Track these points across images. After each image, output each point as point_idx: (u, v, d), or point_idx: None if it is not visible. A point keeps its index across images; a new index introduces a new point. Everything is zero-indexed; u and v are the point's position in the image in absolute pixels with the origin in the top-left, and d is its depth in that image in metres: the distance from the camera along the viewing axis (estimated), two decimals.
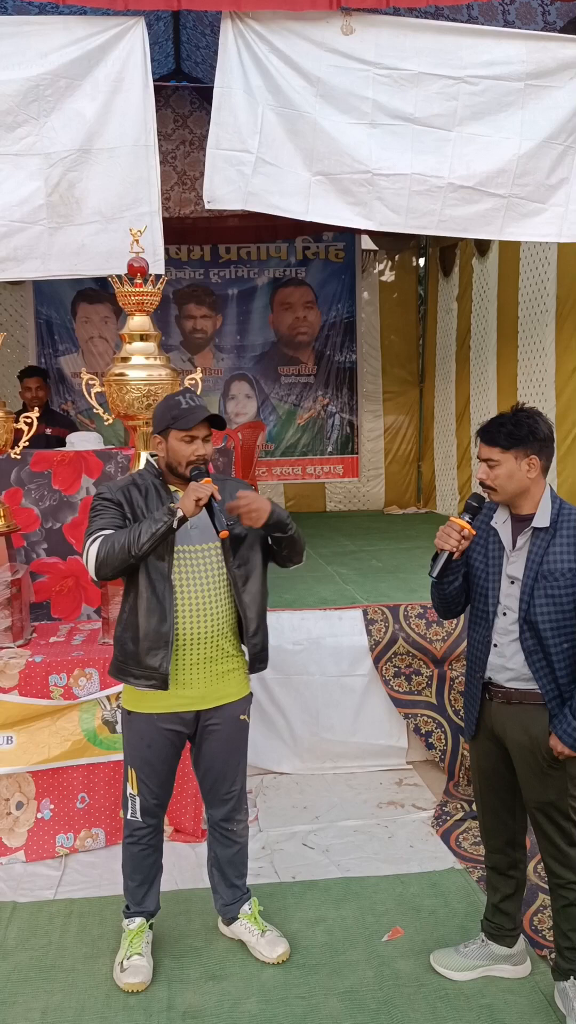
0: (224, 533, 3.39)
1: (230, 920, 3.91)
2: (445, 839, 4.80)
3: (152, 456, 3.71)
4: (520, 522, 3.38)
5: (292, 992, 3.57)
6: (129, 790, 3.74)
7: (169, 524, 3.36)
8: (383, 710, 5.60)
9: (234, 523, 3.54)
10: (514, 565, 3.36)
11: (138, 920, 3.84)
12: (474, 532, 3.37)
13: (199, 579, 3.57)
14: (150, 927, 3.86)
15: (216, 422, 3.56)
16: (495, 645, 3.41)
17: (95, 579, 3.58)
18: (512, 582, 3.36)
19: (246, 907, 3.91)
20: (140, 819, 3.74)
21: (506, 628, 3.37)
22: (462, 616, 5.54)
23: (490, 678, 3.44)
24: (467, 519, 3.36)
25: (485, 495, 3.41)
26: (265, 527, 3.52)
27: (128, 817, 3.77)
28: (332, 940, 3.91)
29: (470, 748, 3.66)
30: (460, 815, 5.00)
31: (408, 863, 4.59)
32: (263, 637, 3.72)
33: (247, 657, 3.70)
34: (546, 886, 4.06)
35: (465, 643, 5.40)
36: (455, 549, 3.33)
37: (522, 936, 3.72)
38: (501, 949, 3.65)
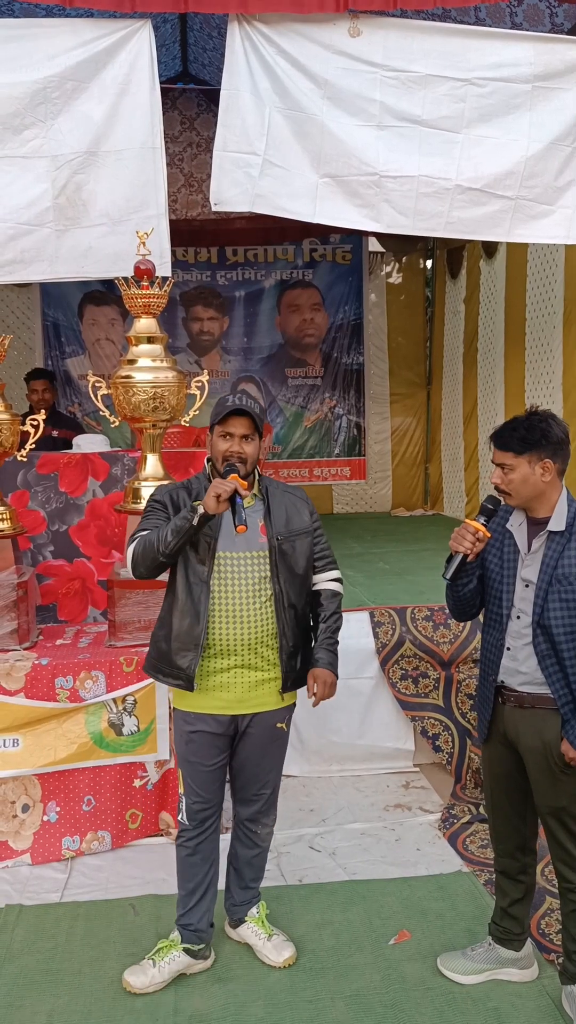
0: (241, 528, 3.36)
1: (237, 922, 3.91)
2: (452, 842, 4.79)
3: (209, 460, 3.72)
4: (536, 525, 3.36)
5: (298, 996, 3.56)
6: (180, 790, 3.76)
7: (191, 520, 3.37)
8: (390, 713, 5.59)
9: (283, 539, 3.59)
10: (529, 568, 3.35)
11: (175, 934, 3.74)
12: (489, 535, 3.35)
13: (238, 586, 3.55)
14: (187, 952, 3.69)
15: (259, 424, 3.56)
16: (508, 648, 3.39)
17: (133, 578, 3.62)
18: (527, 585, 3.34)
19: (254, 910, 3.90)
20: (187, 822, 3.72)
21: (519, 632, 3.36)
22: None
23: (503, 681, 3.43)
24: (482, 521, 3.34)
25: (500, 498, 3.40)
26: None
27: (179, 819, 3.78)
28: (339, 943, 3.90)
29: (482, 752, 3.65)
30: (467, 818, 4.99)
31: (415, 866, 4.58)
32: (301, 660, 3.70)
33: (281, 673, 3.65)
34: (554, 889, 4.05)
35: (472, 646, 5.44)
36: (469, 551, 3.32)
37: (529, 940, 3.71)
38: (508, 953, 3.64)
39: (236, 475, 3.43)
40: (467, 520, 3.37)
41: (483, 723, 3.54)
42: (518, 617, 3.37)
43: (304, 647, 3.73)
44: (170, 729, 4.62)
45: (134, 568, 3.54)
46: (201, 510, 3.36)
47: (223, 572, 3.54)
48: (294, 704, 3.80)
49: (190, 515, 3.39)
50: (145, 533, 3.52)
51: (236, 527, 3.35)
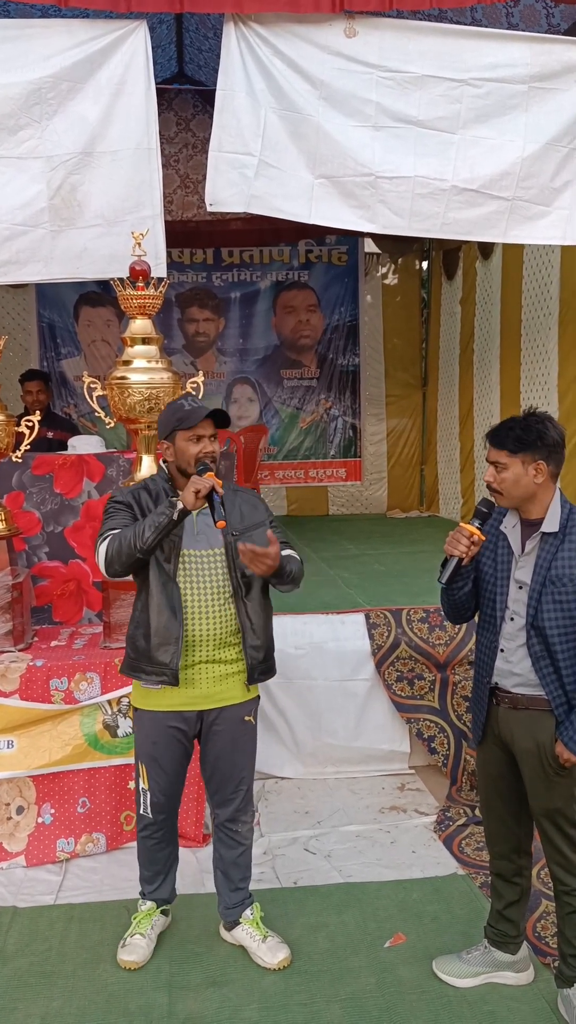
0: (221, 523, 3.41)
1: (231, 925, 3.89)
2: (448, 844, 4.78)
3: (164, 463, 3.75)
4: (529, 527, 3.35)
5: (293, 999, 3.55)
6: (141, 785, 3.81)
7: (170, 516, 3.44)
8: (385, 715, 5.58)
9: (239, 534, 3.61)
10: (522, 570, 3.34)
11: (149, 903, 3.95)
12: (484, 538, 3.35)
13: (203, 582, 3.62)
14: (162, 912, 3.97)
15: (220, 420, 3.63)
16: (502, 650, 3.39)
17: (106, 576, 3.64)
18: (520, 587, 3.34)
19: (248, 912, 3.89)
20: (151, 815, 3.81)
21: (513, 633, 3.36)
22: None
23: (496, 683, 3.42)
24: (477, 525, 3.34)
25: (494, 500, 3.39)
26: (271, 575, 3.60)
27: (140, 812, 3.84)
28: (334, 946, 3.89)
29: (476, 754, 3.64)
30: (463, 820, 4.98)
31: (410, 868, 4.57)
32: (265, 650, 3.75)
33: (246, 665, 3.71)
34: (550, 892, 4.04)
35: (468, 648, 5.43)
36: (464, 555, 3.31)
37: (525, 943, 3.70)
38: (504, 956, 3.63)
39: (211, 473, 3.50)
40: (462, 524, 3.37)
41: (478, 725, 3.54)
42: (512, 619, 3.37)
43: (268, 638, 3.78)
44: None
45: (108, 566, 3.56)
46: (180, 505, 3.43)
47: (188, 569, 3.61)
48: (259, 697, 3.88)
49: (169, 511, 3.44)
50: (116, 531, 3.55)
51: (216, 522, 3.42)
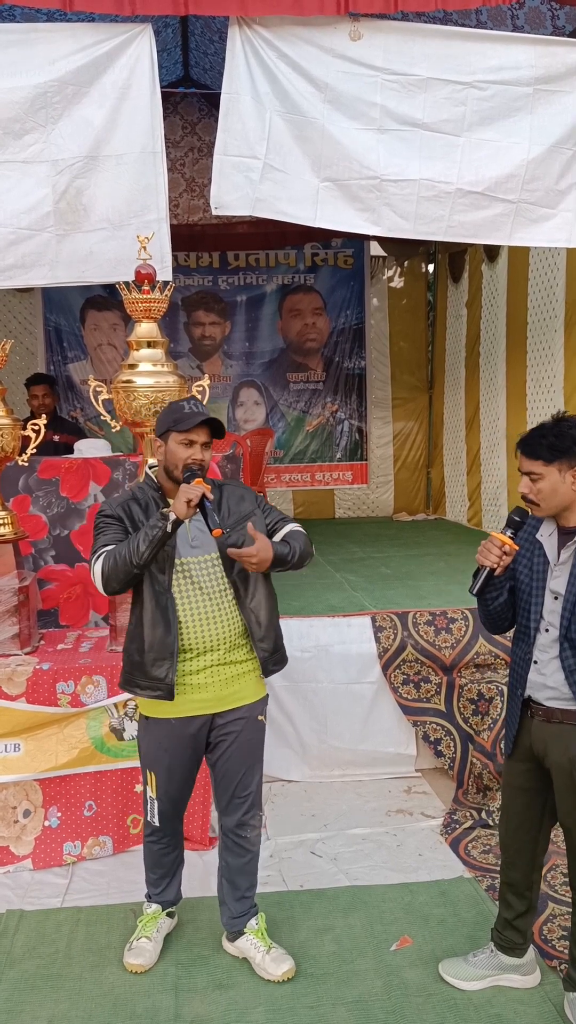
0: (217, 532, 3.38)
1: (235, 935, 3.85)
2: (454, 847, 4.77)
3: (151, 468, 3.74)
4: (565, 535, 3.28)
5: (300, 1002, 3.54)
6: (149, 793, 3.79)
7: (164, 528, 3.39)
8: (392, 717, 5.58)
9: (229, 532, 3.57)
10: (557, 580, 3.27)
11: (155, 906, 3.95)
12: (516, 548, 3.28)
13: (201, 589, 3.58)
14: (168, 915, 3.98)
15: (217, 431, 3.60)
16: (535, 662, 3.32)
17: (104, 594, 3.61)
18: (555, 597, 3.27)
19: (253, 922, 3.85)
20: (159, 823, 3.80)
21: (547, 645, 3.28)
22: (470, 623, 5.54)
23: (530, 695, 3.36)
24: (509, 534, 3.27)
25: (529, 510, 3.33)
26: (271, 568, 3.57)
27: (147, 819, 3.83)
28: (340, 949, 3.89)
29: (504, 766, 3.58)
30: (469, 823, 4.97)
31: (417, 872, 4.56)
32: (273, 641, 3.72)
33: (258, 661, 3.70)
34: (556, 895, 4.05)
35: (474, 651, 5.43)
36: (495, 565, 3.25)
37: (532, 946, 3.68)
38: (511, 959, 3.61)
39: (199, 480, 3.46)
40: (493, 533, 3.30)
41: (509, 737, 3.47)
42: (546, 630, 3.29)
43: (276, 628, 3.75)
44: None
45: (106, 584, 3.52)
46: (172, 516, 3.38)
47: (183, 578, 3.58)
48: (267, 696, 3.85)
49: (161, 523, 3.40)
50: (110, 548, 3.51)
51: (212, 531, 3.39)
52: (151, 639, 3.56)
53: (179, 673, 3.58)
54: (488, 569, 3.28)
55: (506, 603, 3.43)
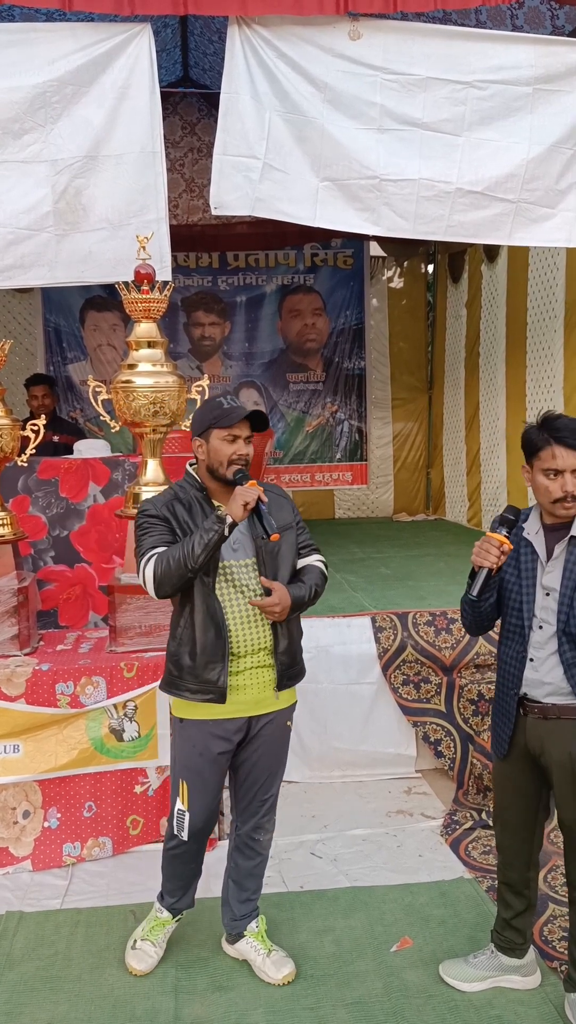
0: (275, 536, 3.36)
1: (236, 938, 3.84)
2: (454, 848, 4.76)
3: (191, 465, 3.67)
4: (554, 532, 3.28)
5: (300, 1003, 3.54)
6: (179, 805, 3.67)
7: (220, 532, 3.32)
8: (392, 718, 5.57)
9: (267, 539, 3.50)
10: (550, 576, 3.27)
11: (166, 913, 3.88)
12: (512, 546, 3.26)
13: (242, 593, 3.52)
14: (176, 921, 3.91)
15: (258, 423, 3.53)
16: (531, 659, 3.31)
17: (155, 597, 3.52)
18: (548, 594, 3.26)
19: (253, 925, 3.84)
20: (185, 837, 3.68)
21: (543, 642, 3.28)
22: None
23: (525, 693, 3.34)
24: (504, 533, 3.25)
25: (568, 510, 3.25)
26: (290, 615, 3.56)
27: (175, 832, 3.70)
28: (340, 950, 3.88)
29: (497, 766, 3.57)
30: (469, 824, 4.97)
31: (417, 872, 4.55)
32: (292, 656, 3.64)
33: (275, 672, 3.60)
34: (556, 896, 4.04)
35: (474, 651, 5.42)
36: (494, 565, 3.24)
37: (532, 947, 3.68)
38: (511, 960, 3.61)
39: (253, 481, 3.40)
40: (488, 534, 3.27)
41: (503, 739, 3.45)
42: (540, 627, 3.29)
43: (298, 642, 3.70)
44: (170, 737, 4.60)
45: (158, 588, 3.42)
46: (229, 519, 3.32)
47: (229, 581, 3.51)
48: (296, 702, 3.78)
49: (218, 526, 3.33)
50: (161, 550, 3.42)
51: (270, 536, 3.36)
52: (203, 642, 3.48)
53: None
54: (486, 570, 3.26)
55: (494, 604, 3.43)
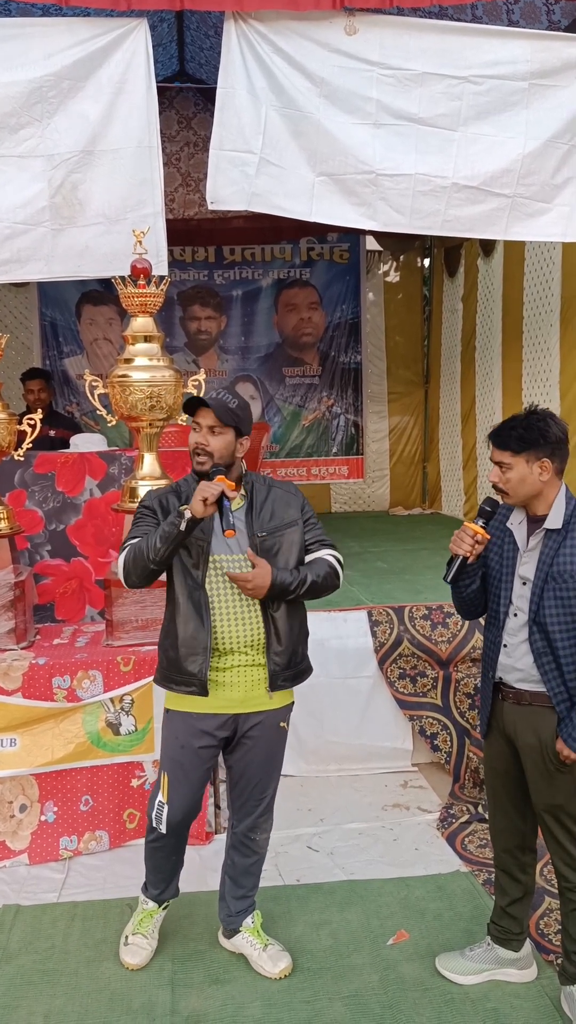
0: (229, 532, 3.33)
1: (231, 933, 3.86)
2: (451, 842, 4.78)
3: None
4: (534, 523, 3.37)
5: (296, 996, 3.55)
6: (159, 798, 3.68)
7: (178, 526, 3.32)
8: (388, 712, 5.58)
9: (265, 536, 3.51)
10: (526, 566, 3.36)
11: (152, 904, 3.91)
12: (488, 537, 3.39)
13: (233, 588, 3.49)
14: (163, 909, 3.94)
15: (224, 417, 3.44)
16: (505, 646, 3.41)
17: (126, 587, 3.58)
18: (524, 583, 3.36)
19: (249, 920, 3.85)
20: (165, 832, 3.69)
21: (516, 629, 3.38)
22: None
23: (501, 678, 3.45)
24: (480, 524, 3.39)
25: (499, 498, 3.42)
26: (270, 597, 3.49)
27: (153, 824, 3.72)
28: (336, 944, 3.90)
29: (484, 748, 3.65)
30: (466, 817, 4.98)
31: (413, 866, 4.57)
32: (288, 657, 3.61)
33: (267, 671, 3.58)
34: (553, 889, 4.05)
35: (471, 645, 5.43)
36: (468, 553, 3.37)
37: (528, 940, 3.70)
38: (507, 953, 3.63)
39: (223, 476, 3.39)
40: (466, 523, 3.41)
41: (484, 719, 3.56)
42: (515, 615, 3.39)
43: (296, 643, 3.65)
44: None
45: (126, 578, 3.49)
46: (188, 515, 3.31)
47: (218, 575, 3.50)
48: (292, 703, 3.77)
49: (177, 520, 3.33)
50: (135, 541, 3.47)
51: (224, 531, 3.34)
52: (184, 634, 3.50)
53: (210, 669, 3.52)
54: (461, 558, 3.39)
55: (479, 590, 3.53)
